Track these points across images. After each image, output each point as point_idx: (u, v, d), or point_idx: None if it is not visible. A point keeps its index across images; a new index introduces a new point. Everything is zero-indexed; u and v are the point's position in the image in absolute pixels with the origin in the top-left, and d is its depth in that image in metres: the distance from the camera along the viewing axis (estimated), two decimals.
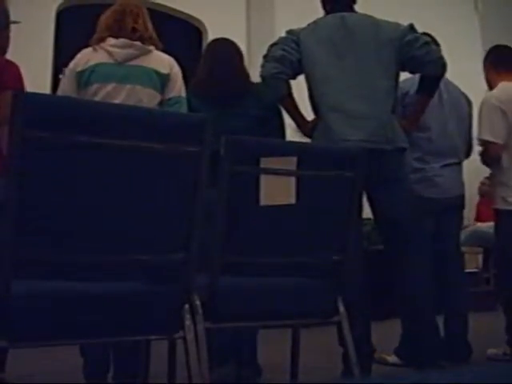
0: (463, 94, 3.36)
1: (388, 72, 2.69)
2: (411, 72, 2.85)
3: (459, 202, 3.28)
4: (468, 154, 3.42)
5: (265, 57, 2.75)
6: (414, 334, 2.59)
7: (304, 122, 2.79)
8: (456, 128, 3.24)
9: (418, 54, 2.65)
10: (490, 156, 3.13)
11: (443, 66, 2.69)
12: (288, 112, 2.80)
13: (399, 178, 2.66)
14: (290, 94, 2.74)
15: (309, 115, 2.80)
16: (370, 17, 2.79)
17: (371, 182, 2.49)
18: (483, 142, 3.13)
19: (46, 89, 5.75)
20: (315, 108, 2.74)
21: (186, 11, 7.45)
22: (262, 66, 2.73)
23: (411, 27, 2.72)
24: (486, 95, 3.24)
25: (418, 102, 2.83)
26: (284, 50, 2.70)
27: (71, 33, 6.19)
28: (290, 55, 2.69)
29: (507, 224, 3.12)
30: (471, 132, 3.38)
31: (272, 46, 2.75)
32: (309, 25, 2.79)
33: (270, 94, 2.84)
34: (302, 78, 2.78)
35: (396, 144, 2.64)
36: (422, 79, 2.76)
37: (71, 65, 2.53)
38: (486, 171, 3.44)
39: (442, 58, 2.69)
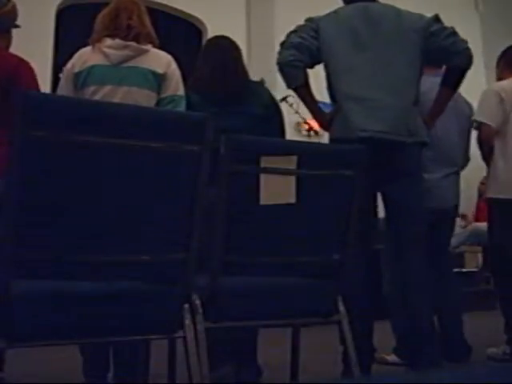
0: (466, 101, 3.34)
1: (411, 63, 2.61)
2: (435, 64, 2.74)
3: (453, 213, 3.28)
4: (464, 164, 3.40)
5: (282, 44, 2.65)
6: (414, 333, 2.57)
7: (321, 113, 2.71)
8: (457, 137, 3.23)
9: (444, 44, 2.58)
10: (482, 138, 3.13)
11: (470, 58, 2.60)
12: (304, 102, 2.70)
13: (417, 173, 2.59)
14: (306, 83, 2.64)
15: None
16: (393, 7, 2.70)
17: (387, 176, 2.45)
18: (477, 124, 3.14)
19: (46, 87, 5.74)
20: (334, 99, 2.65)
21: (187, 11, 7.45)
22: (279, 53, 2.63)
23: (436, 18, 2.64)
24: (491, 84, 3.25)
25: (440, 95, 2.71)
26: (302, 37, 2.61)
27: (71, 31, 6.19)
28: (308, 43, 2.60)
29: (501, 213, 3.12)
30: (469, 141, 3.36)
31: (290, 33, 2.65)
32: (329, 14, 2.69)
33: (268, 94, 2.83)
34: (319, 68, 2.68)
35: (417, 137, 2.57)
36: (446, 71, 2.67)
37: (69, 65, 2.52)
38: (485, 171, 3.44)
39: (468, 49, 2.60)
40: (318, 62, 2.67)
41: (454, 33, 2.61)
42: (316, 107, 2.71)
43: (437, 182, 3.11)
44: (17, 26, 2.60)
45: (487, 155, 3.19)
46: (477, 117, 3.16)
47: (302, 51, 2.59)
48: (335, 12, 2.70)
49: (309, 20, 2.68)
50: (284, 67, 2.61)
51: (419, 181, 2.62)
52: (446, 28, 2.63)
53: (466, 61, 2.61)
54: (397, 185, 2.56)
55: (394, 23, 2.63)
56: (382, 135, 2.47)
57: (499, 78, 3.34)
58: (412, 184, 2.58)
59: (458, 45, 2.59)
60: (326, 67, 2.66)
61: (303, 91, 2.66)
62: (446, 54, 2.60)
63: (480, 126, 3.14)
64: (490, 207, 3.22)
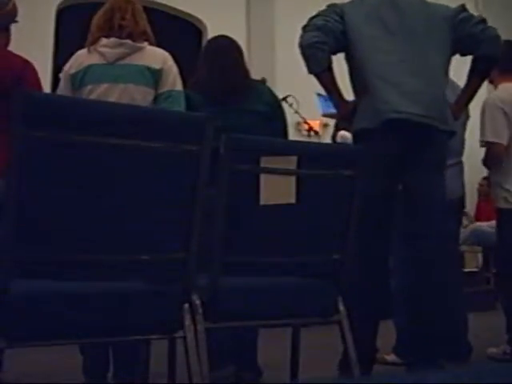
0: None
1: (441, 51, 2.54)
2: (464, 53, 2.65)
3: (459, 204, 3.28)
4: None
5: (304, 27, 2.52)
6: (421, 333, 2.50)
7: (343, 102, 2.59)
8: (460, 128, 3.23)
9: (473, 31, 2.52)
10: (493, 156, 3.12)
11: (499, 46, 2.55)
12: (325, 88, 2.58)
13: (443, 164, 2.52)
14: (329, 68, 2.51)
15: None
16: None
17: (413, 164, 2.39)
18: (487, 144, 3.12)
19: (46, 87, 5.74)
20: (357, 93, 2.56)
21: (186, 10, 7.45)
22: (301, 37, 2.51)
23: (463, 7, 2.59)
24: (489, 96, 3.24)
25: (469, 85, 2.62)
26: (326, 20, 2.49)
27: (71, 31, 6.19)
28: (332, 25, 2.49)
29: (509, 223, 3.13)
30: (465, 132, 3.36)
31: (312, 17, 2.53)
32: (353, 1, 2.61)
33: (270, 92, 2.82)
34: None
35: (450, 126, 2.50)
36: (475, 60, 2.59)
37: (66, 67, 2.55)
38: (485, 171, 3.44)
39: (498, 36, 2.54)
40: (342, 48, 2.56)
41: (483, 20, 2.56)
42: (339, 95, 2.58)
43: None
44: (15, 21, 2.62)
45: (492, 167, 3.19)
46: (485, 137, 3.10)
47: (326, 33, 2.47)
48: None
49: (332, 5, 2.58)
50: (306, 49, 2.48)
51: (443, 172, 2.54)
52: (473, 16, 2.58)
53: (496, 48, 2.54)
54: (422, 175, 2.48)
55: (422, 12, 2.57)
56: (419, 118, 2.39)
57: (490, 79, 3.32)
58: (438, 179, 2.51)
59: (488, 31, 2.53)
60: (351, 52, 2.55)
61: (326, 77, 2.53)
62: (474, 41, 2.53)
63: (490, 146, 3.12)
64: (500, 215, 3.22)
